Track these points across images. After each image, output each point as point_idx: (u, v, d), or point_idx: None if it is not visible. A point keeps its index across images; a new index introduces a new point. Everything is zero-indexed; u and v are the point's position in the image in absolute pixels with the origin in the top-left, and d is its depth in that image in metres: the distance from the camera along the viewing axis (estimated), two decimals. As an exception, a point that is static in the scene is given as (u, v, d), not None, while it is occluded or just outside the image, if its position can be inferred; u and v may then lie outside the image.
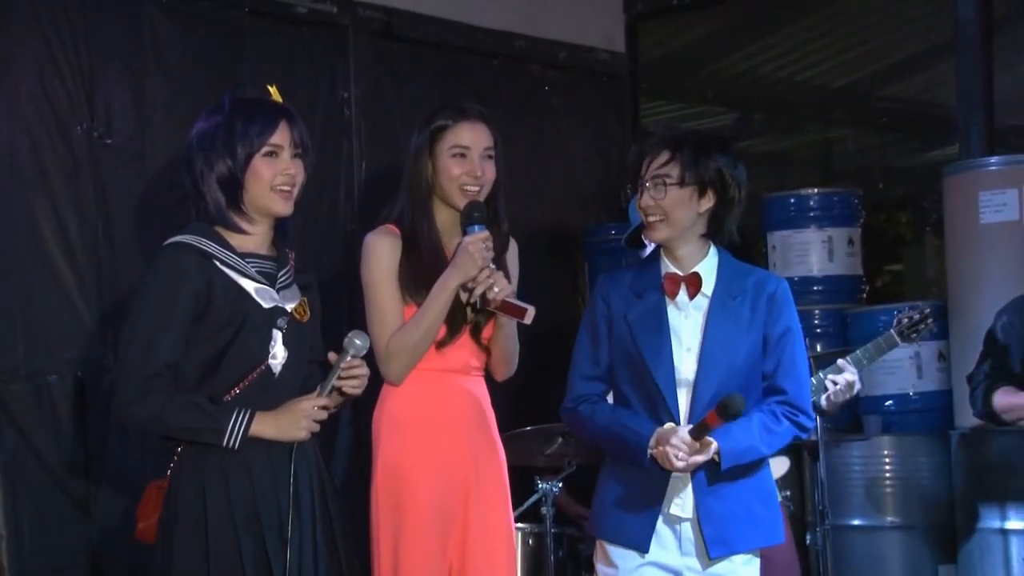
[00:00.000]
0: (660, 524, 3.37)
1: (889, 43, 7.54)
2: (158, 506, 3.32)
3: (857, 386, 4.15)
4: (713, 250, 3.47)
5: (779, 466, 4.16)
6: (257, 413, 3.27)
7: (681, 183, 3.37)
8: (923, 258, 7.90)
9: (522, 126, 5.93)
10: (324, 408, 3.34)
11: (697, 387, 3.35)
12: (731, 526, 3.35)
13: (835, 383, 4.12)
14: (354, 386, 3.37)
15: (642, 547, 3.35)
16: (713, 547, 3.33)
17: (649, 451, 3.31)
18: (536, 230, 5.81)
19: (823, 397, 4.13)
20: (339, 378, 3.34)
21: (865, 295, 6.05)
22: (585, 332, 3.52)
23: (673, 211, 3.38)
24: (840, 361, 4.19)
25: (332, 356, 3.35)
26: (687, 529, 3.37)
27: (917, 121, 8.26)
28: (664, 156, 3.39)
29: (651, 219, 3.40)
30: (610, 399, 3.52)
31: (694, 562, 3.38)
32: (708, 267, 3.44)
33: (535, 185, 5.94)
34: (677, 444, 3.27)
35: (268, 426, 3.28)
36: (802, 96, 8.21)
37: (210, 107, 3.41)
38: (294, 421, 3.30)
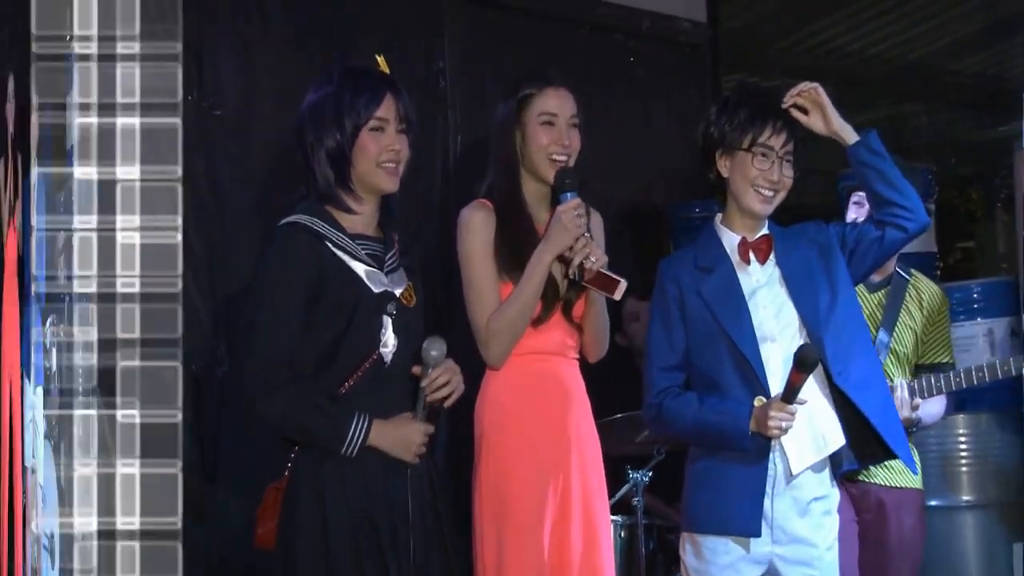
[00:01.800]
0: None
1: (959, 16, 7.50)
2: (276, 510, 3.22)
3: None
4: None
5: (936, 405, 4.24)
6: (375, 423, 3.19)
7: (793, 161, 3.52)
8: (994, 234, 7.89)
9: (607, 97, 5.73)
10: (427, 432, 3.27)
11: (800, 339, 3.39)
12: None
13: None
14: (447, 394, 3.28)
15: (753, 531, 3.37)
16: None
17: (751, 432, 3.34)
18: (621, 207, 5.65)
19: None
20: (427, 394, 3.25)
21: (939, 272, 6.04)
22: (657, 321, 3.54)
23: (788, 187, 3.50)
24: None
25: (416, 370, 3.26)
26: (780, 516, 3.40)
27: (986, 96, 8.20)
28: (790, 134, 3.48)
29: (770, 192, 3.48)
30: None
31: (784, 550, 3.41)
32: (767, 231, 3.55)
33: (620, 159, 5.72)
34: (780, 416, 3.29)
35: (385, 440, 3.20)
36: (873, 70, 8.18)
37: (320, 78, 3.34)
38: (406, 447, 3.23)
